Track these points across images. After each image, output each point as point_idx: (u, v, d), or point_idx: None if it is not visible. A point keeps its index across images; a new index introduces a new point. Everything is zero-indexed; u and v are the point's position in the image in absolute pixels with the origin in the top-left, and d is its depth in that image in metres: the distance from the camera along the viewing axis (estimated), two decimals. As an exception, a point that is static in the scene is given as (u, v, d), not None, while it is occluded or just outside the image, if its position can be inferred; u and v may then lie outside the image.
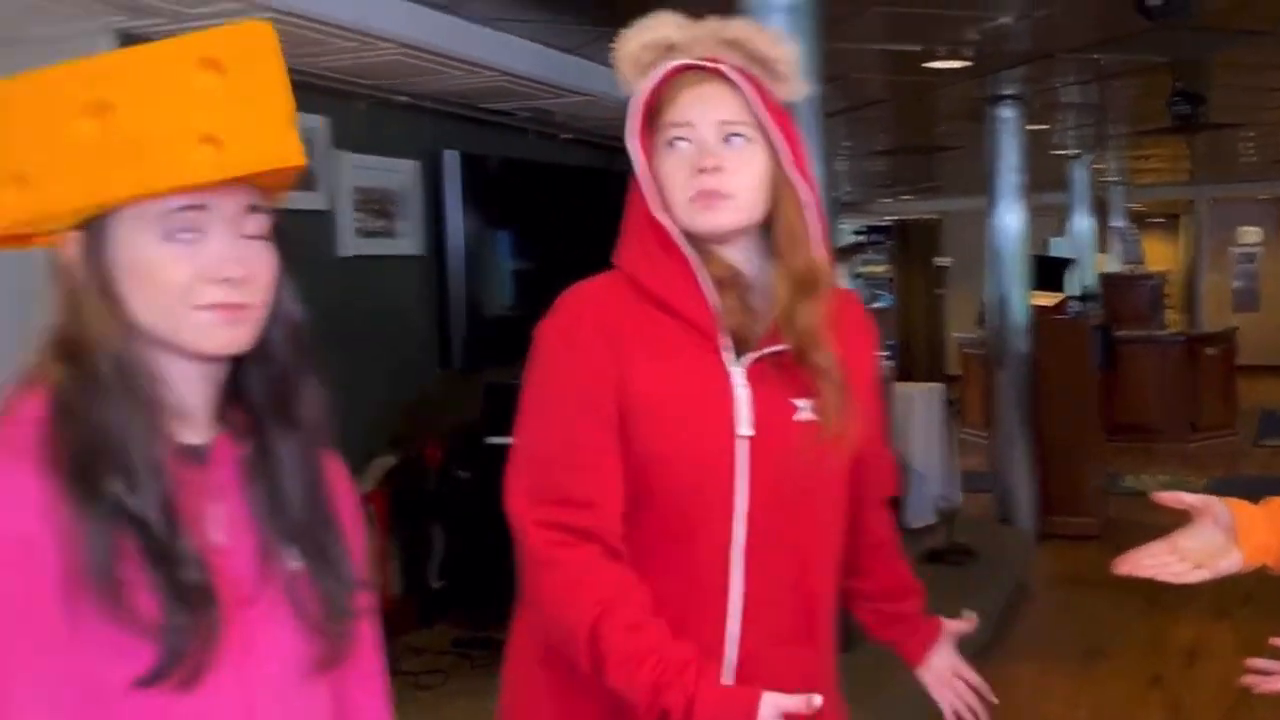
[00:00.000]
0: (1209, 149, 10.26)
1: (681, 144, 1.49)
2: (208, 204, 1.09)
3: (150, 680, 1.02)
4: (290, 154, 1.09)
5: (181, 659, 1.03)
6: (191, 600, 1.07)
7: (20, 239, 1.15)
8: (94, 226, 1.09)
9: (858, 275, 14.45)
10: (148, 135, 1.06)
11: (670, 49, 1.50)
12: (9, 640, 1.06)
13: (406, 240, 4.73)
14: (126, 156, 1.06)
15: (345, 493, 1.29)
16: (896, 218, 15.26)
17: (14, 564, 1.06)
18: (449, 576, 4.61)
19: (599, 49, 4.20)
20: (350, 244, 4.41)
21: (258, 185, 1.12)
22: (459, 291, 4.84)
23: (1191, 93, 6.22)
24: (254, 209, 1.13)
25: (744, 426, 1.48)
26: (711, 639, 1.47)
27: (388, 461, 4.33)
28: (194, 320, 1.10)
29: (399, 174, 4.65)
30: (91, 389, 1.09)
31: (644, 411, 1.48)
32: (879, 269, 15.02)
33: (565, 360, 1.51)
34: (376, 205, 4.50)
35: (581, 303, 1.55)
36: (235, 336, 1.13)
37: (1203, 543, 1.50)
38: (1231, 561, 1.49)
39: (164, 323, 1.11)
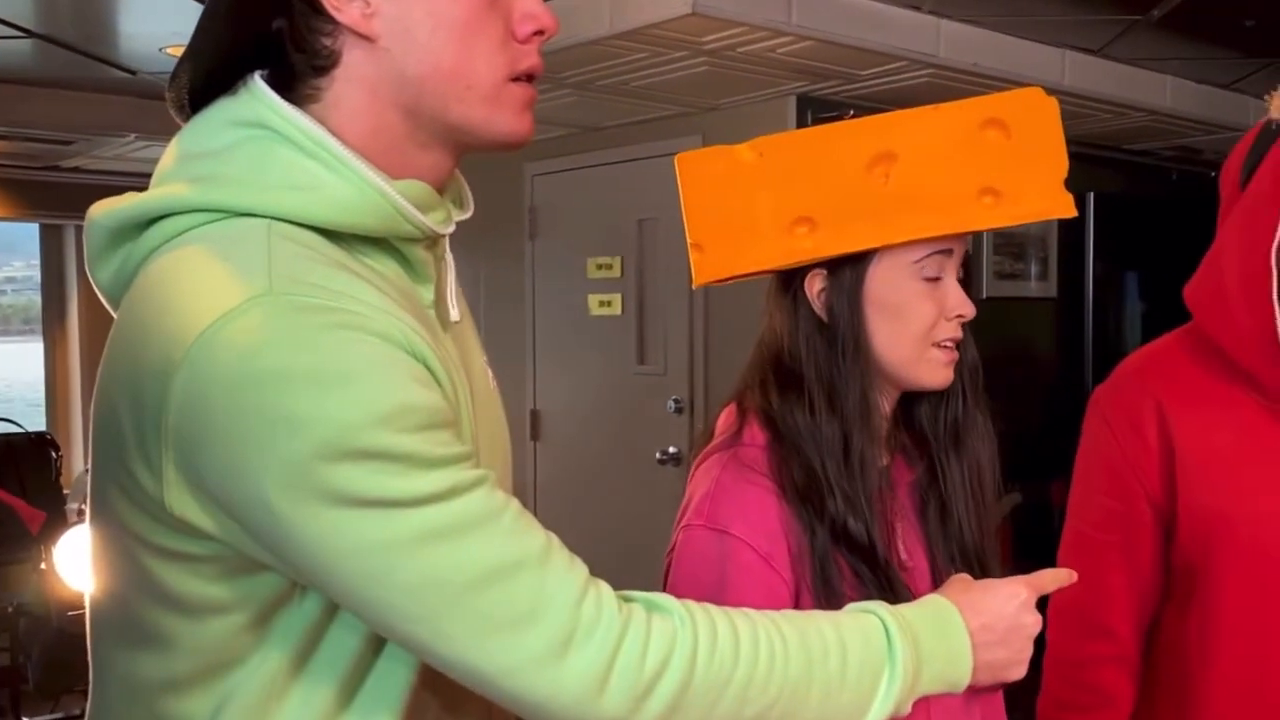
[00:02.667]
0: None
1: None
2: (953, 248, 1.18)
3: None
4: (1064, 208, 1.17)
5: None
6: None
7: (764, 272, 1.25)
8: (850, 265, 1.18)
9: None
10: (930, 185, 1.16)
11: None
12: None
13: (1040, 283, 4.77)
14: (909, 203, 1.15)
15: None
16: None
17: (758, 567, 1.16)
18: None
19: (1259, 81, 3.97)
20: (988, 286, 4.55)
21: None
22: (1090, 333, 4.81)
23: None
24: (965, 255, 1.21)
25: None
26: None
27: (1013, 499, 4.38)
28: (930, 356, 1.19)
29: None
30: (811, 417, 1.18)
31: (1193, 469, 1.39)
32: None
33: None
34: (1016, 249, 4.60)
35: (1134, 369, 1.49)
36: (950, 375, 1.21)
37: None
38: None
39: (904, 356, 1.19)
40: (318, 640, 0.89)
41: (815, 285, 1.20)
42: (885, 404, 1.23)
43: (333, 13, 0.89)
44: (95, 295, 0.97)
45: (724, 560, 1.16)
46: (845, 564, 1.16)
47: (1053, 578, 1.09)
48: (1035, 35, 3.58)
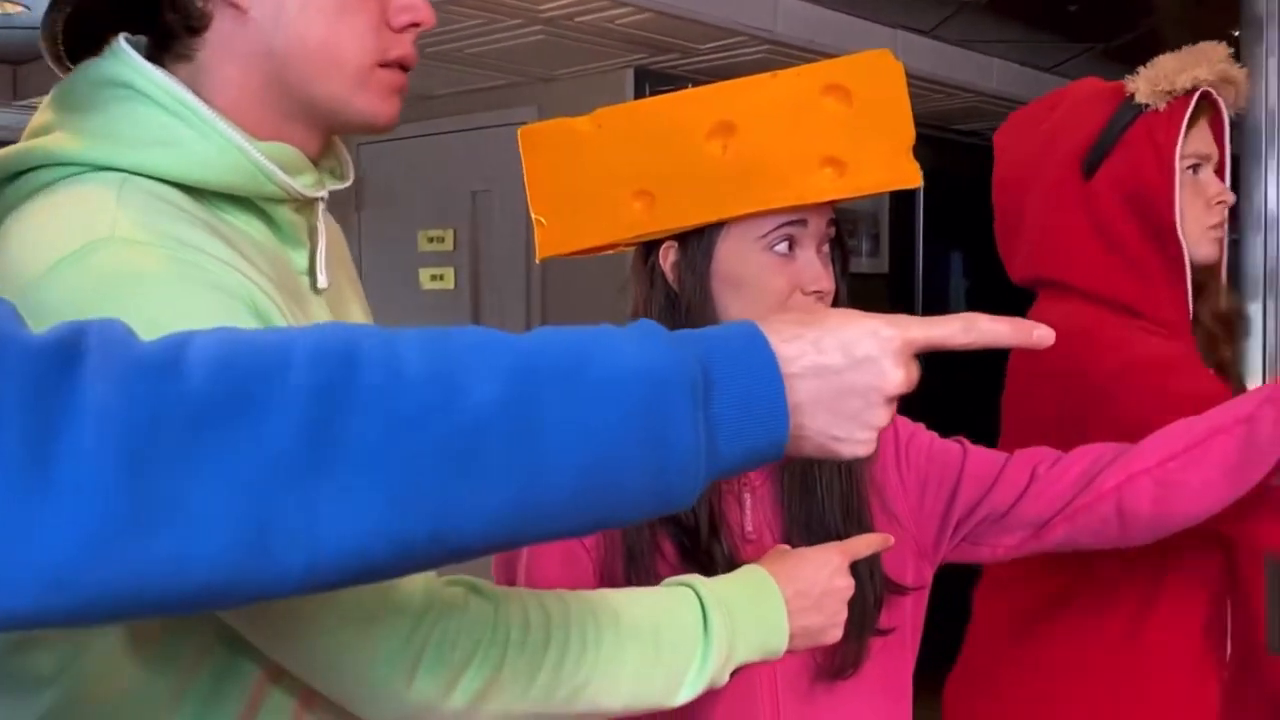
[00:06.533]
0: None
1: (1202, 172, 1.58)
2: (808, 220, 1.15)
3: None
4: (909, 177, 1.14)
5: None
6: None
7: (610, 246, 1.22)
8: (697, 237, 1.16)
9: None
10: (770, 156, 1.11)
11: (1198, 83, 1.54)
12: None
13: (871, 259, 4.84)
14: (748, 175, 1.11)
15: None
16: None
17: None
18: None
19: (1080, 65, 4.10)
20: (819, 261, 4.60)
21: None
22: (921, 310, 4.92)
23: None
24: (831, 224, 1.18)
25: None
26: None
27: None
28: None
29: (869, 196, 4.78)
30: None
31: None
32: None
33: None
34: (849, 224, 4.66)
35: None
36: None
37: None
38: None
39: None
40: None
41: (669, 257, 1.18)
42: None
43: None
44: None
45: None
46: (669, 541, 1.16)
47: (866, 543, 1.11)
48: (869, 14, 3.61)
